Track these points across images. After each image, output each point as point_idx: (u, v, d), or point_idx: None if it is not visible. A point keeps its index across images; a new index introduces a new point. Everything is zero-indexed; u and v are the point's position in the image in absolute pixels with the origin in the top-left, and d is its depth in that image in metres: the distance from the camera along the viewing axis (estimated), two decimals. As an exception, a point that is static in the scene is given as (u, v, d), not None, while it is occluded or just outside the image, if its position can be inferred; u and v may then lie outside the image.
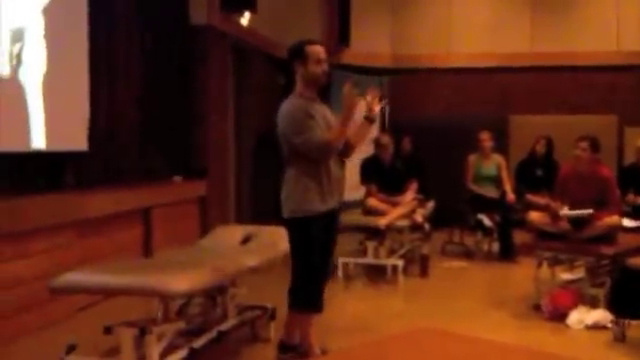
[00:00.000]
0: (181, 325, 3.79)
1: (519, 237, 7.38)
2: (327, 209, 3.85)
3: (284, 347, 4.05)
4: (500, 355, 2.78)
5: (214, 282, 3.79)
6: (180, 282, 3.41)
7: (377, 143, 6.92)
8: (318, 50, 3.88)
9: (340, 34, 9.91)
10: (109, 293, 4.17)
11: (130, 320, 3.63)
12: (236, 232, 4.84)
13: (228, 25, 7.85)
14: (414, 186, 6.98)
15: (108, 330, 3.59)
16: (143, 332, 3.46)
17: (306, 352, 4.05)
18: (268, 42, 9.13)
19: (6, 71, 4.89)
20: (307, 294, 3.89)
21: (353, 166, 8.00)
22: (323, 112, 3.93)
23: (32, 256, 4.61)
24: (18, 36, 5.00)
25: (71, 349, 3.59)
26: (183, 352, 3.65)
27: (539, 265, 5.40)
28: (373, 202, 6.70)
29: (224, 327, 4.16)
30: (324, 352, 3.99)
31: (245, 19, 8.14)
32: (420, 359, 2.61)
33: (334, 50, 10.01)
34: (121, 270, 3.68)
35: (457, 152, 8.19)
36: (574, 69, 10.25)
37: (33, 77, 5.16)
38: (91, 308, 5.08)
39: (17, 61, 5.00)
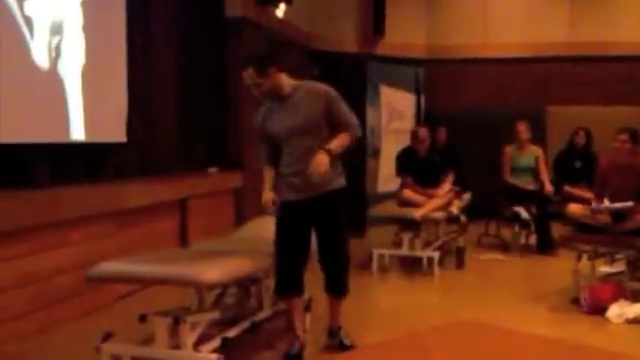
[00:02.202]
0: (215, 315, 3.81)
1: (557, 230, 7.27)
2: (297, 199, 3.91)
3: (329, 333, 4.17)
4: (541, 348, 2.74)
5: (248, 273, 3.81)
6: (214, 272, 3.43)
7: (414, 136, 6.86)
8: (243, 76, 3.90)
9: (375, 24, 9.84)
10: (145, 283, 4.22)
11: (165, 309, 3.67)
12: (271, 224, 4.83)
13: (263, 17, 7.85)
14: (450, 178, 6.90)
15: (143, 318, 3.63)
16: (177, 321, 3.49)
17: (340, 342, 4.07)
18: (303, 34, 9.13)
19: (46, 63, 4.96)
20: (276, 277, 4.00)
21: (388, 158, 7.98)
22: (292, 107, 3.89)
23: (71, 246, 4.68)
24: (57, 28, 5.07)
25: (107, 337, 3.64)
26: (216, 341, 3.67)
27: (579, 258, 5.30)
28: (408, 193, 6.65)
29: (258, 318, 4.18)
30: (297, 341, 3.98)
31: (280, 11, 8.13)
32: (460, 351, 2.58)
33: (369, 41, 9.97)
34: (157, 260, 3.71)
35: (493, 143, 8.09)
36: (613, 59, 10.04)
37: (72, 69, 5.24)
38: (128, 297, 5.14)
39: (56, 53, 5.07)
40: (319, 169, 3.70)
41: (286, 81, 3.94)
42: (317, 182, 3.79)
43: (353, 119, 3.96)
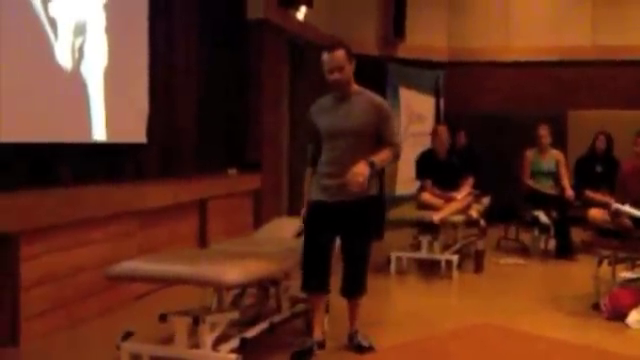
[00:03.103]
0: (235, 315, 3.83)
1: (577, 234, 7.22)
2: (321, 199, 3.97)
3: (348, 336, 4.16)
4: (562, 354, 2.72)
5: (267, 274, 3.82)
6: (233, 273, 3.45)
7: (434, 134, 6.86)
8: (324, 60, 3.94)
9: (395, 27, 9.85)
10: (164, 282, 4.23)
11: (185, 309, 3.70)
12: (291, 225, 4.85)
13: (284, 20, 7.88)
14: (470, 181, 6.88)
15: (163, 318, 3.66)
16: (196, 321, 3.52)
17: (359, 344, 4.08)
18: (324, 36, 9.14)
19: (69, 64, 5.01)
20: (303, 274, 4.04)
21: (407, 161, 7.97)
22: (348, 108, 3.96)
23: (93, 245, 4.72)
24: (80, 30, 5.13)
25: (128, 336, 3.67)
26: (235, 342, 3.69)
27: (599, 263, 5.26)
28: (427, 197, 6.64)
29: (277, 319, 4.19)
30: (318, 343, 3.99)
31: (301, 13, 8.16)
32: (481, 355, 2.57)
33: (389, 43, 9.97)
34: (176, 259, 3.74)
35: (514, 147, 8.06)
36: (635, 63, 9.96)
37: (95, 70, 5.29)
38: (148, 296, 5.18)
39: (79, 54, 5.12)
40: (356, 178, 3.72)
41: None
42: (352, 191, 3.78)
43: (397, 139, 4.06)
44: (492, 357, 2.61)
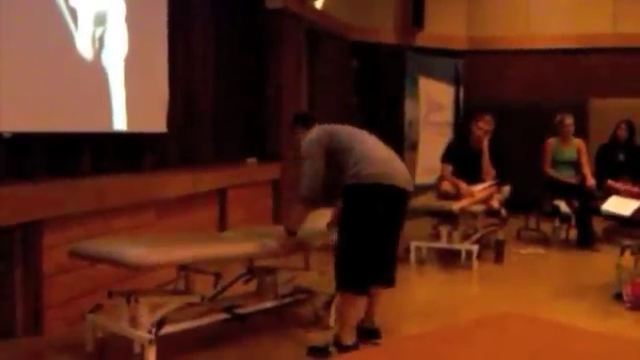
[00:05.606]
0: (188, 300, 3.91)
1: (599, 224, 7.15)
2: None
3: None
4: (584, 342, 2.70)
5: (182, 259, 3.81)
6: (142, 256, 3.52)
7: (477, 122, 6.76)
8: None
9: (414, 15, 9.76)
10: (94, 260, 4.09)
11: (135, 288, 3.92)
12: (324, 217, 4.75)
13: (303, 8, 7.86)
14: (492, 174, 6.80)
15: (110, 295, 3.85)
16: (129, 300, 3.67)
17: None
18: (342, 25, 9.11)
19: (89, 54, 5.03)
20: None
21: (426, 150, 7.95)
22: None
23: (114, 233, 4.74)
24: (101, 20, 5.14)
25: (97, 308, 3.88)
26: (179, 326, 3.78)
27: (621, 253, 5.22)
28: (447, 186, 6.60)
29: (246, 310, 4.15)
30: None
31: (319, 2, 8.13)
32: (506, 343, 2.55)
33: (408, 32, 9.91)
34: (122, 242, 3.81)
35: (535, 136, 8.00)
36: (659, 51, 9.82)
37: (115, 60, 5.31)
38: (172, 284, 5.19)
39: (100, 44, 5.14)
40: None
41: None
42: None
43: (303, 181, 4.02)
44: (516, 345, 2.59)
